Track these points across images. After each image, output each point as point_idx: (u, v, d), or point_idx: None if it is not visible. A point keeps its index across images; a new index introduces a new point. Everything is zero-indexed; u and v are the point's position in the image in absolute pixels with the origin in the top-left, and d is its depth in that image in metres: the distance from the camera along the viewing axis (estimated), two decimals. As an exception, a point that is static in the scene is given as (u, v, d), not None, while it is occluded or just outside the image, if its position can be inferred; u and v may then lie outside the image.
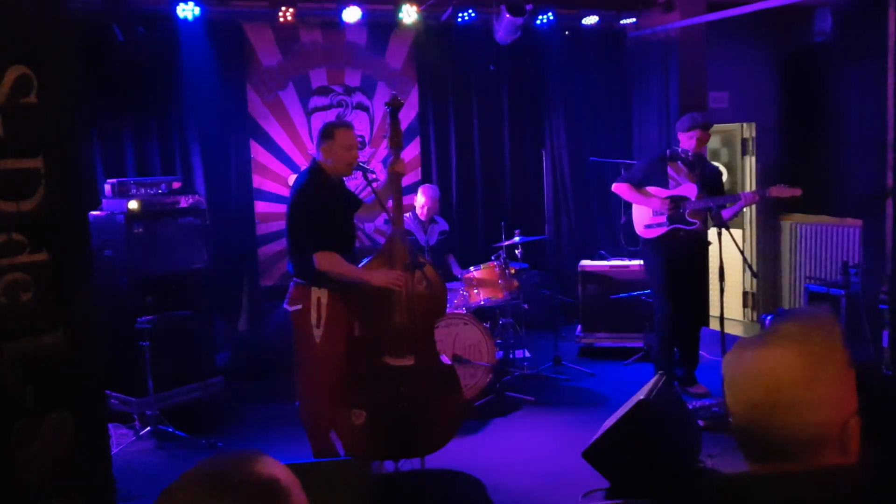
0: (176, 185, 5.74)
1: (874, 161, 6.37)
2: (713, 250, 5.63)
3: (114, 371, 4.60)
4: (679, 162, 5.60)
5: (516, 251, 6.17)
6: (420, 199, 6.39)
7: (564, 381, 6.23)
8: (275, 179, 6.99)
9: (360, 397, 4.17)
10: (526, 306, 6.32)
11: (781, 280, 8.18)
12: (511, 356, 6.23)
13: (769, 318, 6.63)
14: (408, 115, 7.41)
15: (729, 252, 5.53)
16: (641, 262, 6.06)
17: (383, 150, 7.23)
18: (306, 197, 4.08)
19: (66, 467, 2.60)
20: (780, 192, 5.26)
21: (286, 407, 5.35)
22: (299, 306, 4.07)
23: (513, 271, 5.91)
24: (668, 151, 5.75)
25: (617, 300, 6.63)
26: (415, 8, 6.69)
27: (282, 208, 5.43)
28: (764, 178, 8.03)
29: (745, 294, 8.36)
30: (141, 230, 5.37)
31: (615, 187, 5.78)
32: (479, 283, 5.81)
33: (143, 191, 5.50)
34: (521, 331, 6.43)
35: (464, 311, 5.69)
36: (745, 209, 7.95)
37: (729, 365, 1.31)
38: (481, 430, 5.21)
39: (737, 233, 6.28)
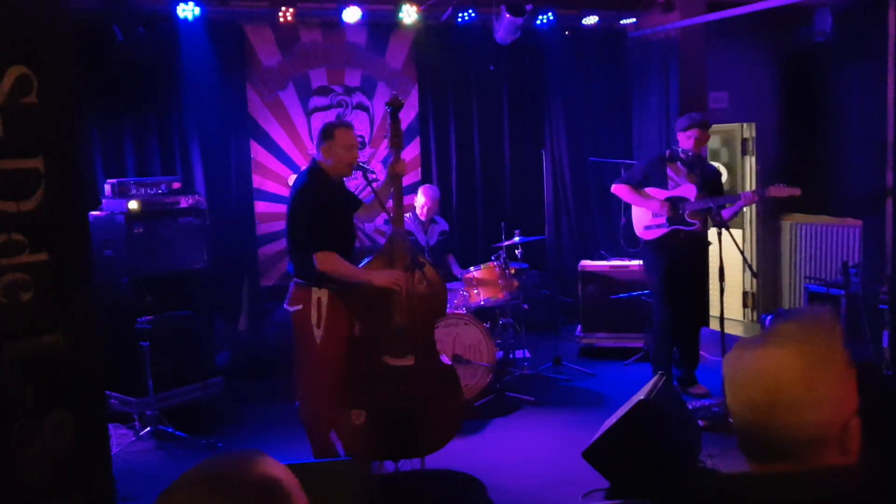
0: (176, 185, 5.74)
1: (874, 161, 6.38)
2: (713, 250, 5.63)
3: (114, 371, 4.60)
4: (678, 162, 5.59)
5: (516, 251, 6.17)
6: (420, 199, 6.39)
7: (564, 381, 6.23)
8: (275, 179, 6.99)
9: (361, 397, 4.17)
10: (526, 306, 6.31)
11: (781, 280, 8.18)
12: (511, 356, 6.23)
13: (769, 318, 6.63)
14: (408, 115, 7.41)
15: (729, 252, 5.53)
16: (641, 262, 6.06)
17: (383, 150, 7.23)
18: (306, 197, 4.07)
19: (66, 467, 2.60)
20: (779, 191, 5.26)
21: (286, 407, 5.36)
22: (300, 306, 4.07)
23: (513, 271, 5.91)
24: (667, 152, 5.75)
25: (617, 300, 6.63)
26: (415, 8, 6.69)
27: (282, 208, 5.43)
28: (764, 179, 8.03)
29: (745, 294, 8.36)
30: (141, 230, 5.37)
31: (614, 188, 5.78)
32: (479, 283, 5.81)
33: (143, 191, 5.50)
34: (521, 331, 6.43)
35: (464, 311, 5.69)
36: (744, 209, 7.97)
37: (729, 365, 1.31)
38: (481, 430, 5.21)
39: (737, 233, 6.28)
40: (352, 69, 7.25)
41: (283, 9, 6.38)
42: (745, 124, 8.28)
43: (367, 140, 7.32)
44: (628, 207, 5.92)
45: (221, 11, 6.49)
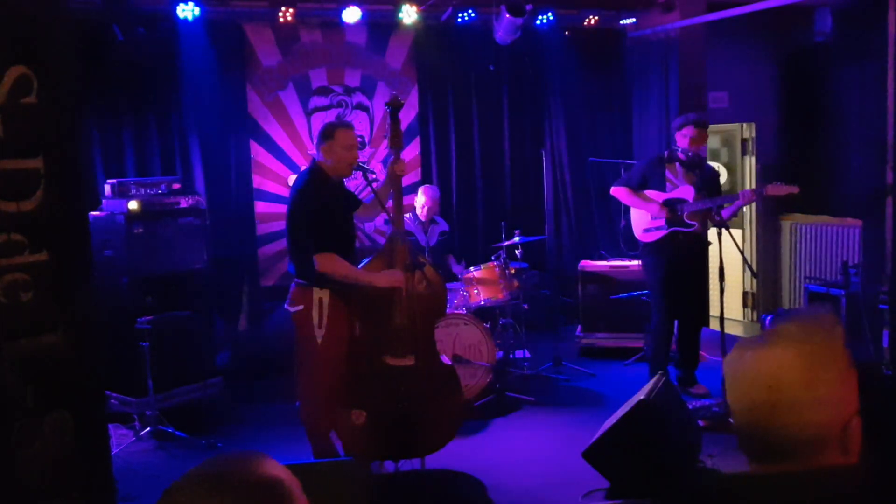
0: (176, 185, 5.74)
1: (874, 161, 6.37)
2: (713, 250, 5.62)
3: (114, 371, 4.60)
4: (676, 163, 5.59)
5: (516, 251, 6.17)
6: (420, 199, 6.39)
7: (564, 381, 6.23)
8: (275, 179, 6.99)
9: (361, 397, 4.17)
10: (526, 306, 6.31)
11: (781, 280, 8.18)
12: (511, 356, 6.23)
13: (769, 318, 6.64)
14: (408, 115, 7.41)
15: (729, 252, 5.53)
16: (641, 263, 6.05)
17: (383, 150, 7.23)
18: (306, 197, 4.07)
19: (66, 467, 2.60)
20: (777, 190, 5.27)
21: (286, 407, 5.36)
22: (301, 307, 4.07)
23: (513, 271, 5.91)
24: (665, 153, 5.75)
25: (617, 300, 6.63)
26: (415, 8, 6.69)
27: (282, 208, 5.43)
28: (764, 179, 8.02)
29: (745, 294, 8.36)
30: (141, 230, 5.37)
31: (613, 191, 5.78)
32: (479, 283, 5.81)
33: (143, 191, 5.50)
34: (521, 331, 6.43)
35: (464, 311, 5.69)
36: (744, 209, 7.98)
37: (730, 365, 1.31)
38: (481, 431, 5.21)
39: (737, 233, 6.28)
40: (352, 69, 7.25)
41: (283, 9, 6.38)
42: (745, 124, 8.28)
43: (367, 140, 7.32)
44: (628, 209, 5.92)
45: (221, 11, 6.49)
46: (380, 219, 6.00)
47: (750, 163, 8.32)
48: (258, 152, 6.94)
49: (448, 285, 5.10)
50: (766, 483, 1.26)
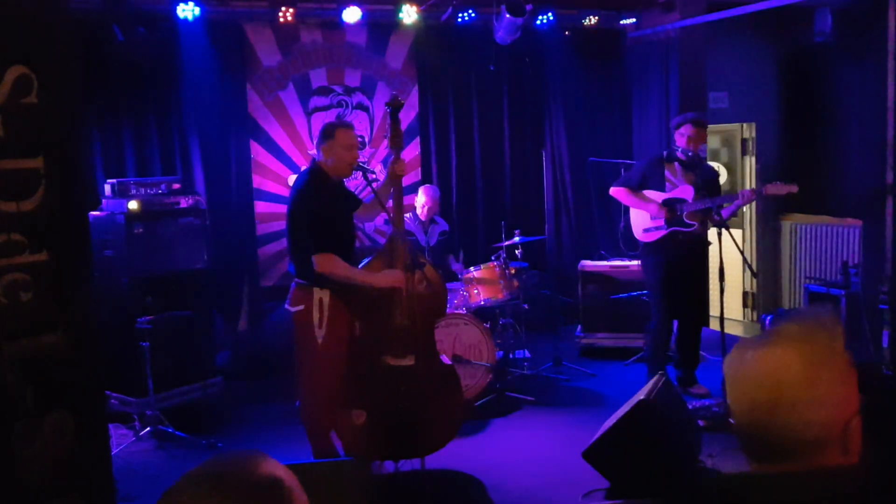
0: (176, 185, 5.74)
1: (874, 161, 6.37)
2: (713, 250, 5.62)
3: (114, 371, 4.59)
4: (675, 163, 5.59)
5: (516, 251, 6.17)
6: (421, 199, 6.39)
7: (564, 381, 6.23)
8: (275, 179, 6.99)
9: (361, 398, 4.17)
10: (526, 306, 6.31)
11: (781, 280, 8.18)
12: (511, 356, 6.23)
13: (769, 318, 6.65)
14: (408, 115, 7.41)
15: (729, 252, 5.53)
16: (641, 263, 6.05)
17: (383, 150, 7.23)
18: (306, 198, 4.07)
19: (66, 467, 2.60)
20: (776, 189, 5.27)
21: (286, 407, 5.36)
22: (301, 307, 4.06)
23: (513, 271, 5.90)
24: (664, 153, 5.74)
25: (617, 300, 6.63)
26: (415, 8, 6.69)
27: (282, 208, 5.43)
28: (764, 178, 8.02)
29: (745, 294, 8.36)
30: (141, 230, 5.37)
31: (612, 191, 5.77)
32: (480, 283, 5.81)
33: (143, 191, 5.50)
34: (522, 331, 6.42)
35: (464, 311, 5.69)
36: (744, 209, 7.98)
37: (730, 365, 1.31)
38: (481, 431, 5.20)
39: (737, 233, 6.28)
40: (352, 69, 7.25)
41: (283, 9, 6.38)
42: (745, 124, 8.28)
43: (367, 140, 7.32)
44: (628, 209, 5.92)
45: (221, 11, 6.49)
46: (380, 219, 5.99)
47: (750, 163, 8.32)
48: (258, 152, 6.94)
49: (448, 285, 5.10)
50: (766, 483, 1.26)
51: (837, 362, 1.26)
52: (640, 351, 6.55)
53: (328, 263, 4.00)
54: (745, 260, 5.97)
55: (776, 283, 8.21)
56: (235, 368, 6.33)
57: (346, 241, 4.23)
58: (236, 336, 6.75)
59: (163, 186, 5.64)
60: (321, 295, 4.03)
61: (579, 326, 6.95)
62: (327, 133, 4.13)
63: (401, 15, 6.72)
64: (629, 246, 6.49)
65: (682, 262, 5.57)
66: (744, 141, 8.36)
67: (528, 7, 6.60)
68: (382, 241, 5.92)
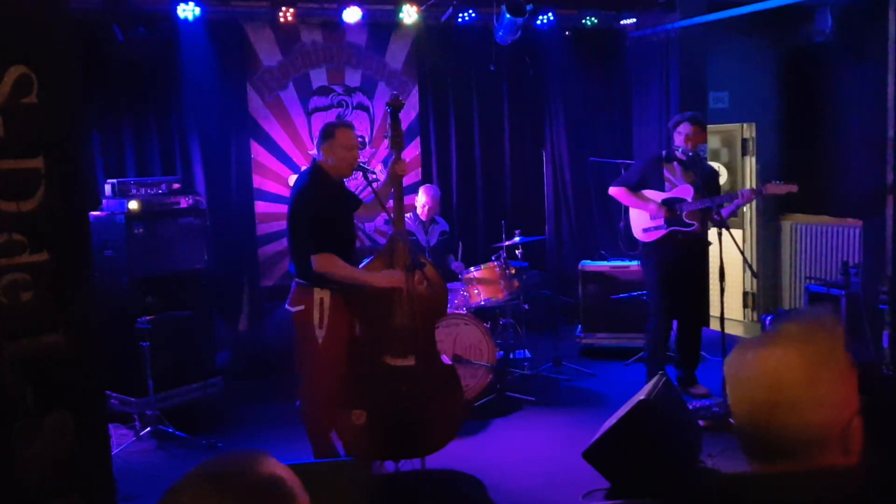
0: (176, 185, 5.74)
1: (874, 161, 6.36)
2: (713, 250, 5.62)
3: (114, 371, 4.60)
4: (675, 163, 5.59)
5: (516, 251, 6.17)
6: (421, 199, 6.39)
7: (564, 381, 6.23)
8: (275, 179, 6.99)
9: (361, 398, 4.17)
10: (526, 306, 6.31)
11: (781, 280, 8.18)
12: (511, 356, 6.23)
13: (769, 318, 6.64)
14: (408, 115, 7.40)
15: (729, 252, 5.53)
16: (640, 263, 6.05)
17: (383, 150, 7.23)
18: (307, 198, 4.07)
19: (66, 467, 2.60)
20: (776, 189, 5.27)
21: (286, 407, 5.36)
22: (302, 307, 4.06)
23: (513, 271, 5.90)
24: (663, 153, 5.74)
25: (617, 300, 6.63)
26: (415, 8, 6.70)
27: (282, 208, 5.43)
28: (764, 178, 8.02)
29: (745, 294, 8.36)
30: (141, 230, 5.37)
31: (611, 191, 5.77)
32: (480, 283, 5.81)
33: (143, 191, 5.50)
34: (522, 331, 6.42)
35: (464, 311, 5.69)
36: (744, 209, 7.98)
37: (731, 365, 1.31)
38: (481, 431, 5.20)
39: (737, 233, 6.28)
40: (352, 69, 7.25)
41: (284, 9, 6.39)
42: (745, 124, 8.28)
43: (367, 140, 7.32)
44: (628, 210, 5.92)
45: (221, 11, 6.49)
46: (380, 219, 5.99)
47: (750, 163, 8.32)
48: (258, 152, 6.94)
49: (448, 285, 5.10)
50: (766, 483, 1.26)
51: (837, 362, 1.26)
52: (640, 351, 6.55)
53: (328, 263, 4.00)
54: (745, 260, 5.98)
55: (776, 283, 8.21)
56: (235, 368, 6.33)
57: (346, 241, 4.23)
58: (236, 336, 6.75)
59: (163, 186, 5.64)
60: (321, 295, 4.03)
61: (579, 326, 6.95)
62: (327, 133, 4.13)
63: (401, 15, 6.72)
64: (629, 246, 6.49)
65: (682, 261, 5.57)
66: (744, 141, 8.36)
67: (529, 7, 6.60)
68: (383, 241, 5.92)
